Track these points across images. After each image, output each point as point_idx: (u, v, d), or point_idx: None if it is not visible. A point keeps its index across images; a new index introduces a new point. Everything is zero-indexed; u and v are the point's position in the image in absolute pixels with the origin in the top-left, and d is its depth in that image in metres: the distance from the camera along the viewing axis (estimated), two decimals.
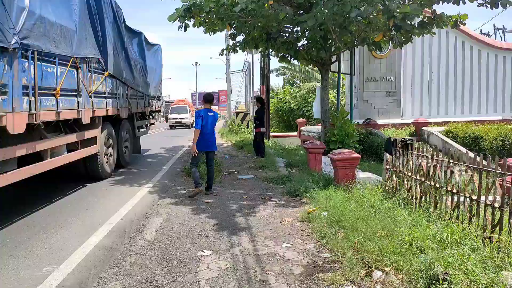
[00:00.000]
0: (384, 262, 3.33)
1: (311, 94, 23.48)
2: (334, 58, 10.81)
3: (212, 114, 6.62)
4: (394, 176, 5.59)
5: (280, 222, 4.90)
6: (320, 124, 20.63)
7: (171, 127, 29.17)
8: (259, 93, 17.81)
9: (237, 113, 21.98)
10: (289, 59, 10.54)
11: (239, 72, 22.85)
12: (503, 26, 17.65)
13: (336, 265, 3.52)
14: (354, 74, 12.41)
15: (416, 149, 5.26)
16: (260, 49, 15.24)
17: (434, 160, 4.64)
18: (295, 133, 19.50)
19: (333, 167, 6.52)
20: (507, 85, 15.68)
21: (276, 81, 53.20)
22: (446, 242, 3.43)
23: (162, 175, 8.32)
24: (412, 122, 13.52)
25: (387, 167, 5.89)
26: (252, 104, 22.78)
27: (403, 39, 9.52)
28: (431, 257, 3.08)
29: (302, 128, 17.75)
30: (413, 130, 13.36)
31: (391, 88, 14.75)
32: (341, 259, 3.57)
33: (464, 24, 9.59)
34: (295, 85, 26.81)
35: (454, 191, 4.11)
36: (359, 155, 6.29)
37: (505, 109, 15.80)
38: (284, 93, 27.27)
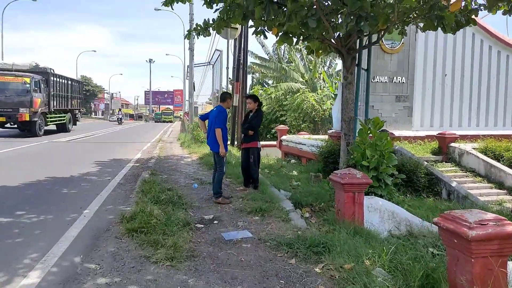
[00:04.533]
0: None
1: (287, 97, 20.17)
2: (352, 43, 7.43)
3: (215, 109, 6.07)
4: None
5: None
6: (305, 133, 17.25)
7: None
8: (231, 91, 14.06)
9: None
10: (294, 39, 6.95)
11: (204, 65, 18.94)
12: None
13: None
14: (369, 70, 9.11)
15: None
16: (238, 29, 11.58)
17: None
18: (274, 143, 16.02)
19: (458, 251, 3.00)
20: None
21: None
22: None
23: (75, 235, 4.34)
24: (436, 135, 10.52)
25: None
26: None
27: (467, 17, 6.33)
28: None
29: (284, 137, 14.30)
30: (436, 147, 10.35)
31: (402, 91, 11.73)
32: None
33: None
34: (269, 86, 23.37)
35: None
36: None
37: None
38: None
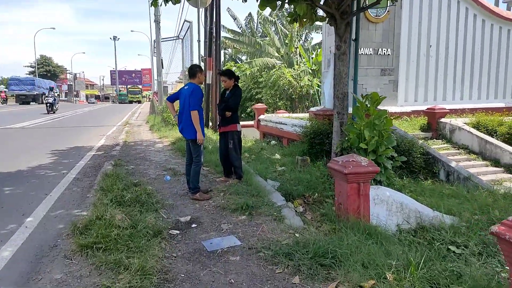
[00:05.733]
0: None
1: (263, 73, 19.11)
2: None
3: (186, 87, 4.97)
4: None
5: None
6: (283, 111, 16.36)
7: None
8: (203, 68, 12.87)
9: None
10: (278, 2, 5.94)
11: (172, 39, 17.47)
12: None
13: None
14: (358, 39, 8.27)
15: None
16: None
17: None
18: (250, 122, 15.09)
19: None
20: (510, 65, 12.94)
21: None
22: None
23: (8, 256, 3.31)
24: (425, 110, 9.94)
25: None
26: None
27: None
28: None
29: (262, 116, 13.39)
30: (424, 123, 9.77)
31: (387, 64, 10.98)
32: None
33: None
34: (242, 62, 22.16)
35: None
36: None
37: (506, 95, 13.11)
38: None
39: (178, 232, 3.93)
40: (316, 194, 5.47)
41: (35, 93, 39.12)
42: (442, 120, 9.34)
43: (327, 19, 6.49)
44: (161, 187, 5.51)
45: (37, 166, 6.88)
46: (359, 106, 5.81)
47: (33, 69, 61.81)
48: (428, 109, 9.77)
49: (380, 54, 10.86)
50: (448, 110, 9.82)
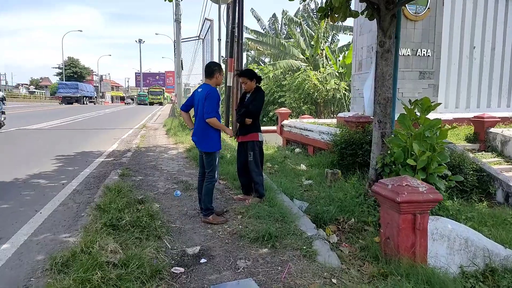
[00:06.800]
0: None
1: (287, 76, 18.19)
2: None
3: (200, 90, 4.18)
4: None
5: None
6: (308, 116, 15.41)
7: None
8: (224, 69, 12.11)
9: None
10: None
11: (193, 39, 16.89)
12: None
13: None
14: (399, 37, 7.29)
15: None
16: None
17: None
18: (273, 128, 14.24)
19: None
20: None
21: None
22: None
23: None
24: (471, 118, 8.81)
25: None
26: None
27: None
28: None
29: (286, 122, 12.50)
30: (470, 133, 8.64)
31: (426, 66, 9.89)
32: None
33: None
34: (266, 64, 21.33)
35: None
36: None
37: None
38: None
39: (182, 270, 3.11)
40: (353, 219, 4.56)
41: (78, 95, 46.77)
42: (492, 130, 8.20)
43: (365, 12, 5.62)
44: (169, 204, 4.73)
45: (37, 174, 6.23)
46: (405, 114, 4.87)
47: (60, 71, 63.13)
48: (475, 117, 8.64)
49: (419, 55, 9.79)
50: (499, 119, 8.66)
